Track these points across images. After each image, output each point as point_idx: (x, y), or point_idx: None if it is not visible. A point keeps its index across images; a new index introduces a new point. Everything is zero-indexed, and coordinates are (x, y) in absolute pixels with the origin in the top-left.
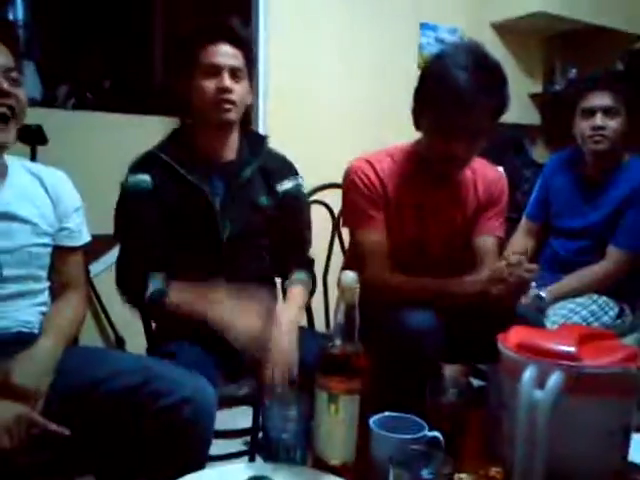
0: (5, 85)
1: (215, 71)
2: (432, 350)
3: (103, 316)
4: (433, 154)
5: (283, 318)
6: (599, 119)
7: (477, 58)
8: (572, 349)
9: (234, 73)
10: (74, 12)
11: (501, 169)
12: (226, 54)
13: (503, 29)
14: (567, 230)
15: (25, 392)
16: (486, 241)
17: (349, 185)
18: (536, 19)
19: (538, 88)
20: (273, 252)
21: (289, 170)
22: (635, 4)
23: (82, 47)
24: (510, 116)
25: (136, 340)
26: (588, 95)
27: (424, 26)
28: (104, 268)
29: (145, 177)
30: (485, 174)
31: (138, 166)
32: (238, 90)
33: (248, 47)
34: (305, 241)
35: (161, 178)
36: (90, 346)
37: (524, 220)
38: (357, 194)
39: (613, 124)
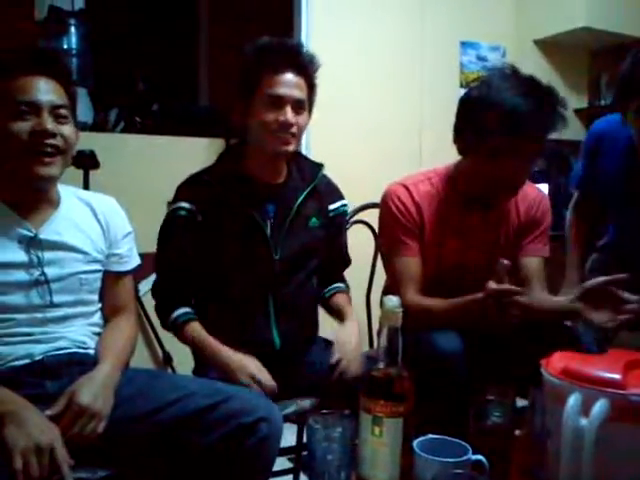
0: (49, 125)
1: (278, 102)
2: (457, 372)
3: (151, 333)
4: (482, 180)
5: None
6: None
7: (529, 82)
8: (617, 376)
9: (297, 105)
10: (125, 39)
11: (545, 187)
12: (291, 85)
13: (546, 45)
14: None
15: (91, 412)
16: (531, 262)
17: (385, 210)
18: (580, 34)
19: (583, 103)
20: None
21: (337, 192)
22: None
23: (132, 72)
24: (554, 132)
25: (183, 358)
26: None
27: (465, 44)
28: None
29: (184, 204)
30: (526, 193)
31: (180, 192)
32: (299, 122)
33: (313, 75)
34: (347, 259)
35: (208, 203)
36: (146, 369)
37: (576, 196)
38: (392, 220)
39: None
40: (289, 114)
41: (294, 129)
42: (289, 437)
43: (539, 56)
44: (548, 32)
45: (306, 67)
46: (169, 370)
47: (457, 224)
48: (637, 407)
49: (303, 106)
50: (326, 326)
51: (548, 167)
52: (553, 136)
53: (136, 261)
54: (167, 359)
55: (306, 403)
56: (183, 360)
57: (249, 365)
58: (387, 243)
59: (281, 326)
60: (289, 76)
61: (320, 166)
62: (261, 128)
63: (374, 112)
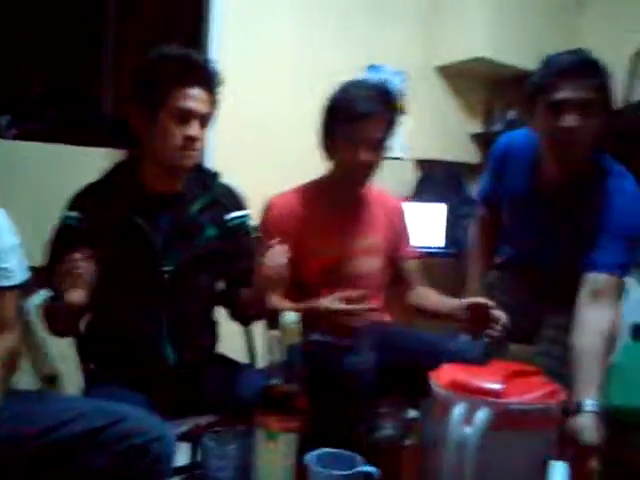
0: None
1: (186, 117)
2: (365, 388)
3: (39, 350)
4: (343, 169)
5: None
6: (572, 117)
7: (374, 83)
8: (498, 386)
9: (203, 119)
10: (16, 37)
11: (442, 206)
12: (199, 100)
13: (447, 72)
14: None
15: None
16: (410, 265)
17: (261, 222)
18: (477, 64)
19: (478, 129)
20: (229, 291)
21: (238, 203)
22: None
23: (25, 75)
24: (451, 154)
25: (72, 377)
26: (558, 85)
27: (371, 67)
28: (42, 300)
29: (72, 214)
30: (389, 201)
31: (72, 201)
32: (203, 137)
33: (217, 90)
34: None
35: (96, 212)
36: (35, 390)
37: (479, 204)
38: (267, 229)
39: (588, 124)
40: (196, 129)
41: (198, 144)
42: (184, 456)
43: (440, 82)
44: (449, 59)
45: (212, 82)
46: (56, 391)
47: (334, 223)
48: (516, 415)
49: (207, 120)
50: (227, 343)
51: (443, 187)
52: (449, 158)
53: (23, 275)
54: (53, 378)
55: (201, 421)
56: (72, 380)
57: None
58: None
59: (175, 341)
60: (197, 90)
61: (215, 175)
62: (166, 143)
63: (279, 129)
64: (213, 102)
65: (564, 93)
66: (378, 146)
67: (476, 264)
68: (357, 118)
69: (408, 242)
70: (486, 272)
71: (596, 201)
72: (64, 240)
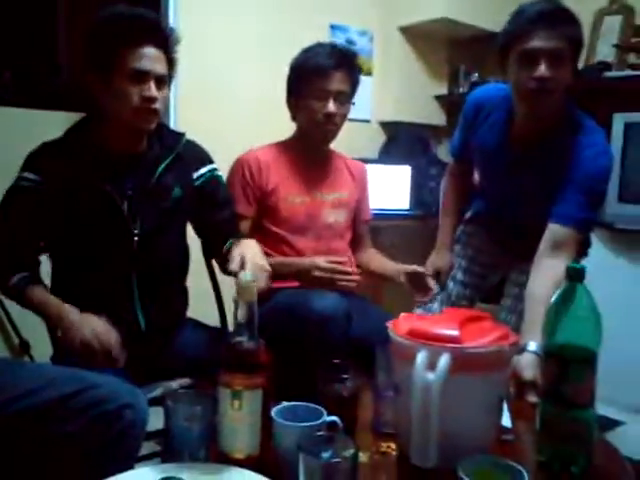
0: None
1: (140, 77)
2: (337, 334)
3: (6, 319)
4: (309, 125)
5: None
6: (544, 67)
7: (333, 44)
8: (456, 332)
9: (159, 80)
10: None
11: (407, 168)
12: (152, 58)
13: (410, 33)
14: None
15: None
16: (363, 226)
17: (230, 173)
18: (440, 24)
19: (443, 90)
20: (205, 237)
21: (205, 157)
22: None
23: None
24: (417, 116)
25: (41, 345)
26: (530, 34)
27: (334, 27)
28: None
29: (29, 175)
30: (353, 163)
31: (27, 162)
32: (161, 98)
33: (173, 49)
34: (235, 216)
35: (57, 175)
36: (1, 358)
37: (451, 159)
38: (233, 182)
39: (560, 74)
40: (153, 89)
41: (157, 104)
42: (158, 421)
43: (404, 43)
44: (411, 20)
45: (167, 41)
46: (26, 359)
47: (305, 175)
48: (472, 358)
49: (165, 81)
50: (197, 307)
51: (409, 149)
52: (414, 120)
53: None
54: (24, 346)
55: (172, 385)
56: (41, 347)
57: (94, 322)
58: None
59: (146, 306)
60: (151, 50)
61: (181, 135)
62: (123, 104)
63: (244, 91)
64: (170, 62)
65: (536, 42)
66: (343, 99)
67: (447, 218)
68: (321, 72)
69: (367, 205)
70: (456, 225)
71: (566, 156)
72: (18, 202)
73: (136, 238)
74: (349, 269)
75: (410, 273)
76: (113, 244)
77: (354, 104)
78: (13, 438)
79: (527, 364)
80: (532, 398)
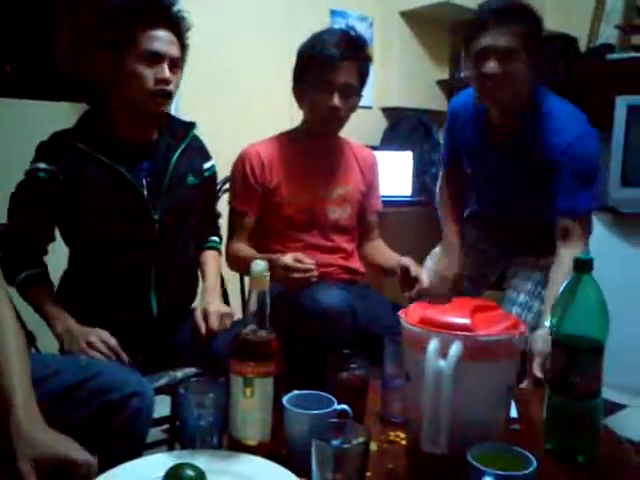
0: None
1: (155, 59)
2: (343, 328)
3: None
4: (315, 116)
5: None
6: (492, 63)
7: (343, 30)
8: (467, 321)
9: (173, 63)
10: None
11: (409, 154)
12: (166, 41)
13: (411, 18)
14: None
15: None
16: (373, 217)
17: (233, 170)
18: (441, 8)
19: (445, 75)
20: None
21: (208, 153)
22: None
23: None
24: (418, 102)
25: (48, 337)
26: (481, 35)
27: (335, 13)
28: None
29: (42, 165)
30: (362, 152)
31: (39, 152)
32: (175, 81)
33: (185, 34)
34: (216, 214)
35: (74, 164)
36: None
37: (442, 169)
38: (236, 179)
39: (511, 68)
40: (166, 71)
41: (171, 87)
42: (164, 409)
43: (404, 28)
44: (413, 4)
45: (180, 25)
46: (32, 350)
47: (307, 170)
48: (484, 346)
49: (179, 64)
50: None
51: (411, 135)
52: (416, 105)
53: None
54: (30, 338)
55: (178, 374)
56: (47, 339)
57: (93, 332)
58: (230, 199)
59: (161, 292)
60: (164, 33)
61: (192, 125)
62: (136, 86)
63: (246, 78)
64: (182, 46)
65: (486, 40)
66: (349, 92)
67: (449, 224)
68: (327, 63)
69: (377, 195)
70: (460, 228)
71: (542, 142)
72: (34, 192)
73: (157, 225)
74: (309, 266)
75: (403, 267)
76: (134, 230)
77: (362, 96)
78: None
79: (538, 338)
80: (537, 372)
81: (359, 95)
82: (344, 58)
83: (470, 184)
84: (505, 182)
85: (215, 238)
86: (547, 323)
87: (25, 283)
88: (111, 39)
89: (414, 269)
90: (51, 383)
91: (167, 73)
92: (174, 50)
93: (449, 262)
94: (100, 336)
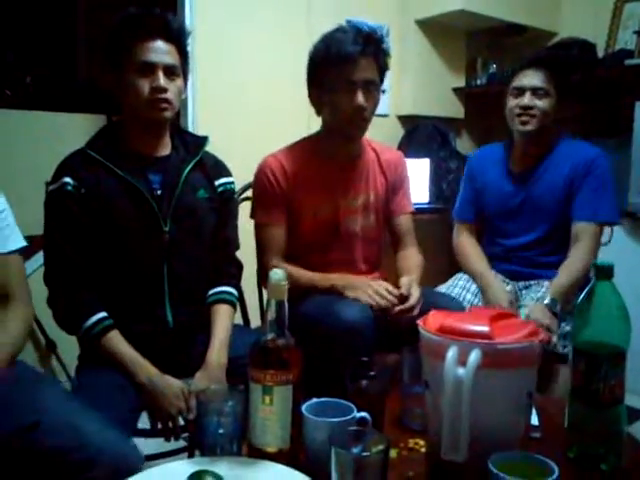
0: None
1: (149, 69)
2: (363, 342)
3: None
4: (337, 119)
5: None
6: (527, 98)
7: (355, 27)
8: (486, 329)
9: (169, 71)
10: None
11: (426, 161)
12: (160, 51)
13: (427, 26)
14: (509, 227)
15: None
16: (402, 219)
17: (255, 182)
18: (458, 17)
19: (461, 83)
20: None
21: (224, 169)
22: (550, 4)
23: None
24: (435, 109)
25: (68, 345)
26: (519, 74)
27: (349, 22)
28: (34, 268)
29: (68, 180)
30: (385, 155)
31: (61, 168)
32: (173, 89)
33: (183, 42)
34: (233, 242)
35: (92, 178)
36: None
37: (458, 224)
38: (260, 191)
39: (541, 104)
40: (161, 79)
41: (168, 94)
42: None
43: (421, 36)
44: (428, 13)
45: (175, 33)
46: (53, 357)
47: (327, 182)
48: (503, 354)
49: (176, 72)
50: None
51: (428, 143)
52: (433, 113)
53: (18, 242)
54: (51, 346)
55: (190, 384)
56: (68, 347)
57: (175, 388)
58: (255, 212)
59: (175, 302)
60: (159, 43)
61: (205, 139)
62: (135, 97)
63: (262, 91)
64: (180, 53)
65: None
66: (372, 88)
67: (480, 263)
68: (346, 61)
69: (405, 196)
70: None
71: (558, 165)
72: (66, 206)
73: (167, 236)
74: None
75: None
76: (145, 242)
77: (384, 92)
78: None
79: (538, 309)
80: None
81: (381, 91)
82: (362, 53)
83: (486, 225)
84: (522, 213)
85: (230, 290)
86: (547, 301)
87: (93, 332)
88: (112, 56)
89: (405, 289)
90: (35, 437)
91: (162, 81)
92: (168, 59)
93: (501, 291)
94: (181, 410)
